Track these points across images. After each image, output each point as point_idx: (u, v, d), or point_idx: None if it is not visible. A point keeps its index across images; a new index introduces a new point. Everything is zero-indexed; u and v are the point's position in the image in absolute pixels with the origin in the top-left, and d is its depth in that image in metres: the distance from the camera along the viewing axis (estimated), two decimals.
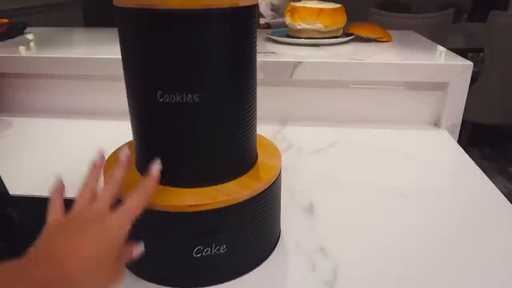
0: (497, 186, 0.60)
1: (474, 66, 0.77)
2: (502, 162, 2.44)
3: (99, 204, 0.35)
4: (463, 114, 0.78)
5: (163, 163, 0.40)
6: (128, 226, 0.34)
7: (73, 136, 0.81)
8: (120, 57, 0.39)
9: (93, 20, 3.34)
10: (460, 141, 0.78)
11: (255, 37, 0.40)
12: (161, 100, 0.37)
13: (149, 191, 0.36)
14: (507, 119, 2.20)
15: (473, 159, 0.69)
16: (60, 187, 0.39)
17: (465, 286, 0.42)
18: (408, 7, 3.81)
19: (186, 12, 0.34)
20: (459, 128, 0.81)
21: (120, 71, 0.90)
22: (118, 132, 0.55)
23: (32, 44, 0.99)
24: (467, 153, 0.71)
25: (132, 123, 0.42)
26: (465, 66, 0.77)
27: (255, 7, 0.38)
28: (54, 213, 0.36)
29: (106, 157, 0.45)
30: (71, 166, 0.66)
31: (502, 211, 0.55)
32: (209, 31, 0.35)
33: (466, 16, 3.02)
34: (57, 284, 0.28)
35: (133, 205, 0.34)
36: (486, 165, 2.37)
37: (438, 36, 2.21)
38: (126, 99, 0.41)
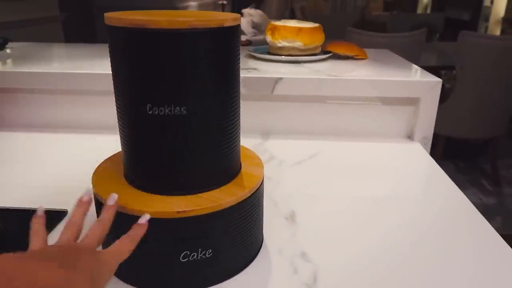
0: (470, 198, 0.64)
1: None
2: (475, 175, 2.53)
3: (86, 241, 0.35)
4: (438, 128, 0.83)
5: (152, 173, 0.43)
6: (114, 268, 0.34)
7: (53, 149, 0.81)
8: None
9: (73, 36, 3.35)
10: (434, 155, 0.83)
11: (239, 54, 0.43)
12: (150, 112, 0.39)
13: (137, 238, 0.36)
14: (478, 133, 2.30)
15: (447, 172, 0.73)
16: (41, 216, 0.37)
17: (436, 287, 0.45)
18: (384, 26, 3.97)
19: (175, 31, 0.37)
20: (430, 141, 0.86)
21: (100, 85, 0.93)
22: (99, 145, 0.57)
23: (14, 59, 0.99)
24: (441, 166, 0.75)
25: (121, 135, 0.44)
26: (434, 82, 0.82)
27: (238, 27, 0.41)
28: (38, 239, 0.35)
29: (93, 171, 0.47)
30: (51, 179, 0.68)
31: (470, 216, 0.59)
32: (196, 49, 0.38)
33: (438, 35, 3.17)
34: None
35: (122, 249, 0.35)
36: (460, 178, 2.46)
37: (412, 54, 2.31)
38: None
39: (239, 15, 0.41)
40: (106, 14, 0.39)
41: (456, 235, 0.54)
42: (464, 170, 2.58)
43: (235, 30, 0.40)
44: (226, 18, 0.39)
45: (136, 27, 0.36)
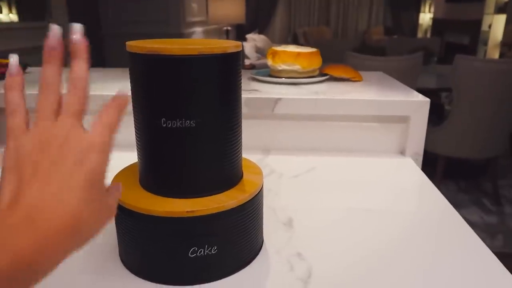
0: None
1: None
2: (476, 194, 2.56)
3: (68, 116, 0.27)
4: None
5: (165, 178, 0.49)
6: (110, 143, 0.28)
7: None
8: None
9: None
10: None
11: (240, 75, 0.49)
12: (164, 125, 0.45)
13: (123, 105, 0.30)
14: (476, 154, 2.35)
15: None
16: (17, 72, 0.28)
17: (423, 284, 0.50)
18: (383, 50, 4.09)
19: (186, 57, 0.43)
20: (421, 156, 0.91)
21: None
22: (113, 161, 0.63)
23: (30, 82, 1.07)
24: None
25: (138, 146, 0.50)
26: (422, 102, 0.88)
27: (240, 52, 0.48)
28: (17, 128, 0.28)
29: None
30: None
31: (456, 225, 0.64)
32: (203, 72, 0.44)
33: (436, 59, 3.27)
34: (46, 248, 0.22)
35: (110, 119, 0.29)
36: (462, 197, 2.49)
37: (411, 77, 2.39)
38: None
39: (240, 43, 0.48)
40: (128, 43, 0.46)
41: (443, 245, 0.58)
42: (465, 189, 2.61)
43: (237, 55, 0.47)
44: (229, 45, 0.46)
45: (153, 53, 0.43)
